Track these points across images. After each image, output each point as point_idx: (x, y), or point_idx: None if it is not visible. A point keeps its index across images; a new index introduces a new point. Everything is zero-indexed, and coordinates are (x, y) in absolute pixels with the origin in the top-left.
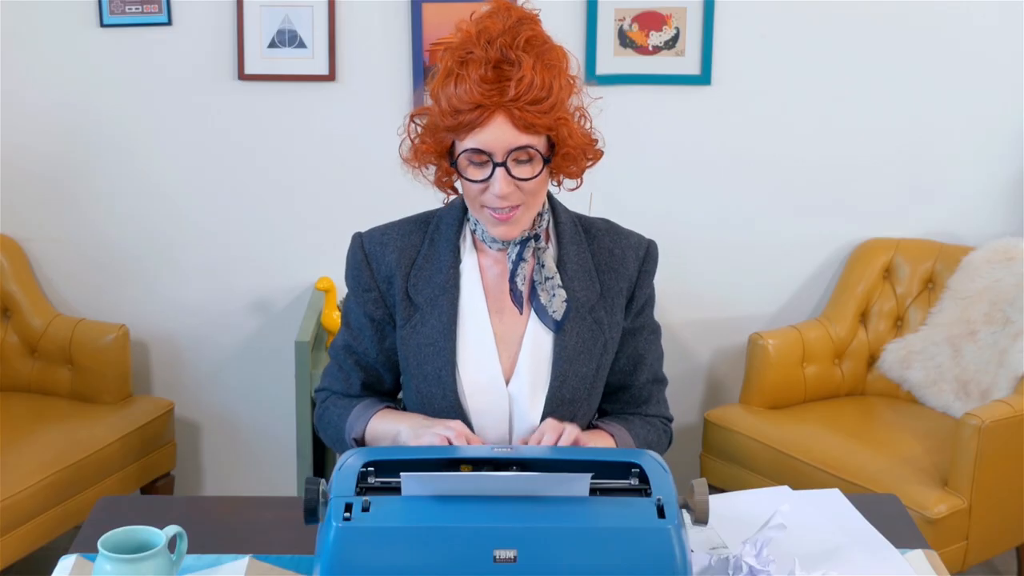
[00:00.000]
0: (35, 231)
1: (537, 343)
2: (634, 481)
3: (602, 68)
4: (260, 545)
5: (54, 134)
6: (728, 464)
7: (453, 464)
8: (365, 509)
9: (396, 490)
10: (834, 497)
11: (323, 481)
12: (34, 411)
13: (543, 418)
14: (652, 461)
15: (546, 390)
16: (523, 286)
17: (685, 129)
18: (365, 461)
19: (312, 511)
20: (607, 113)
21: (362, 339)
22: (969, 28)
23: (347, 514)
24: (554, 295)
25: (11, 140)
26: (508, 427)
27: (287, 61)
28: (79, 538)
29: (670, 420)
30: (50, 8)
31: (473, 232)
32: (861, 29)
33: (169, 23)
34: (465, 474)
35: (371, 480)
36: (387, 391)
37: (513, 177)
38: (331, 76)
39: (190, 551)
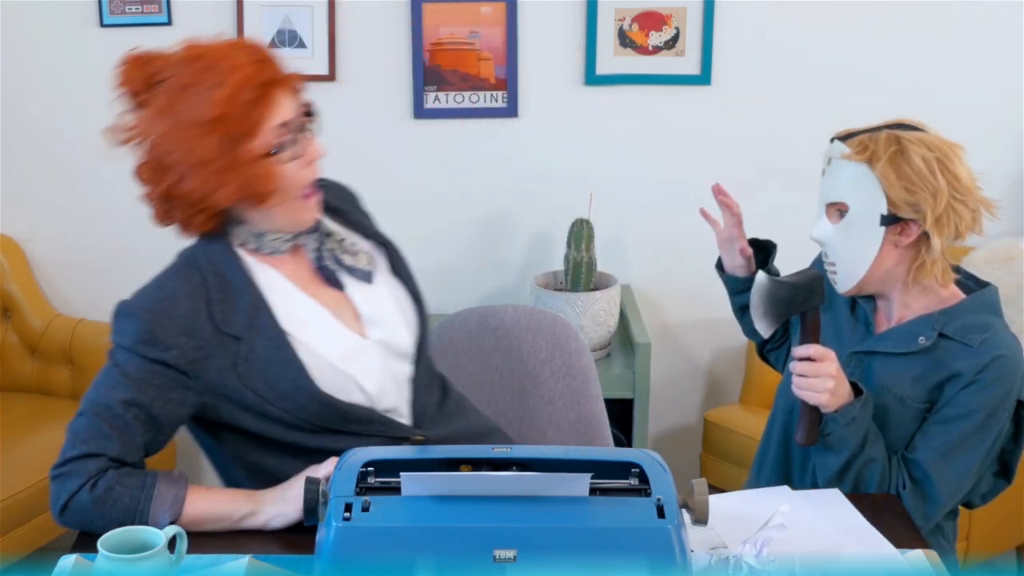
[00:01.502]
0: (35, 231)
1: (366, 297)
2: (634, 481)
3: (602, 68)
4: (260, 545)
5: (54, 134)
6: (728, 464)
7: (453, 464)
8: (365, 509)
9: (396, 490)
10: (834, 497)
11: (323, 481)
12: (34, 411)
13: (422, 319)
14: (652, 461)
15: (410, 312)
16: (332, 265)
17: (685, 129)
18: (365, 461)
19: (312, 511)
20: (608, 113)
21: (152, 390)
22: (969, 28)
23: (347, 514)
24: (356, 254)
25: (11, 140)
26: (403, 361)
27: (287, 61)
28: (79, 538)
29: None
30: (50, 8)
31: (256, 250)
32: (861, 29)
33: (169, 23)
34: (465, 474)
35: (371, 480)
36: (152, 453)
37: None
38: (331, 76)
39: (190, 551)
